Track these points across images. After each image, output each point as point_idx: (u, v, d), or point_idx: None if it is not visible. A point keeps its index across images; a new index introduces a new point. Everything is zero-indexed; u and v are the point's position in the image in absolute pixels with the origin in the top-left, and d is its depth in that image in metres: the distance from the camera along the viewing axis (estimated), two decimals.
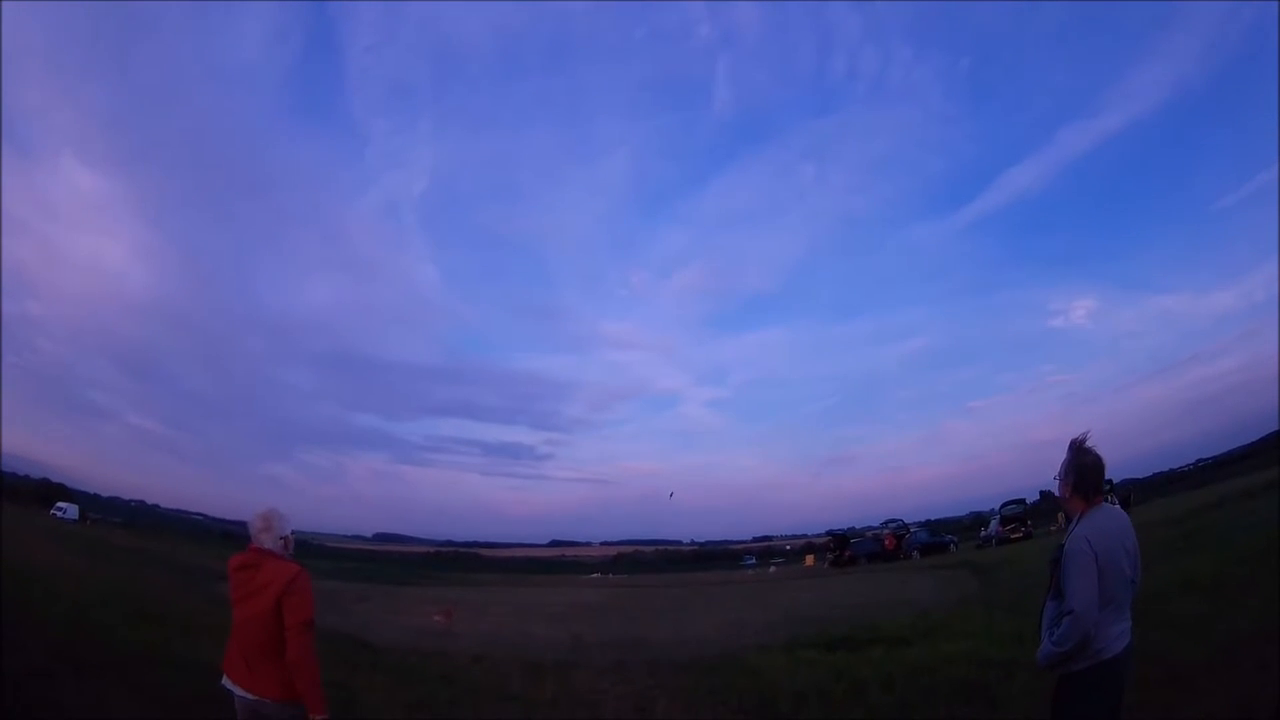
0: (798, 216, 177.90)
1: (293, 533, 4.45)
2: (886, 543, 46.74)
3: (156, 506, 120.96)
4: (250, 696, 4.12)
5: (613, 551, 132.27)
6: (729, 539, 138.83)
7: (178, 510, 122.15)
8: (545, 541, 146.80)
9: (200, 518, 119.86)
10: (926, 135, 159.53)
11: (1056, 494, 4.15)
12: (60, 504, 66.42)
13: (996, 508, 52.93)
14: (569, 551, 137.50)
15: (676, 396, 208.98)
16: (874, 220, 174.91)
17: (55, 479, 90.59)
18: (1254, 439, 55.37)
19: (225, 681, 4.24)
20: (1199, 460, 67.72)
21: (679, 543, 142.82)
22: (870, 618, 14.50)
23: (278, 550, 4.32)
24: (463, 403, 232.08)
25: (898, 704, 7.46)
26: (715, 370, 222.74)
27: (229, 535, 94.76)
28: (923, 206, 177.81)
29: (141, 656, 8.86)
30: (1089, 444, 3.98)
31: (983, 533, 47.96)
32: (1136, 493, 42.82)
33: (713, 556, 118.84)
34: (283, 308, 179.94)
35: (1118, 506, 4.14)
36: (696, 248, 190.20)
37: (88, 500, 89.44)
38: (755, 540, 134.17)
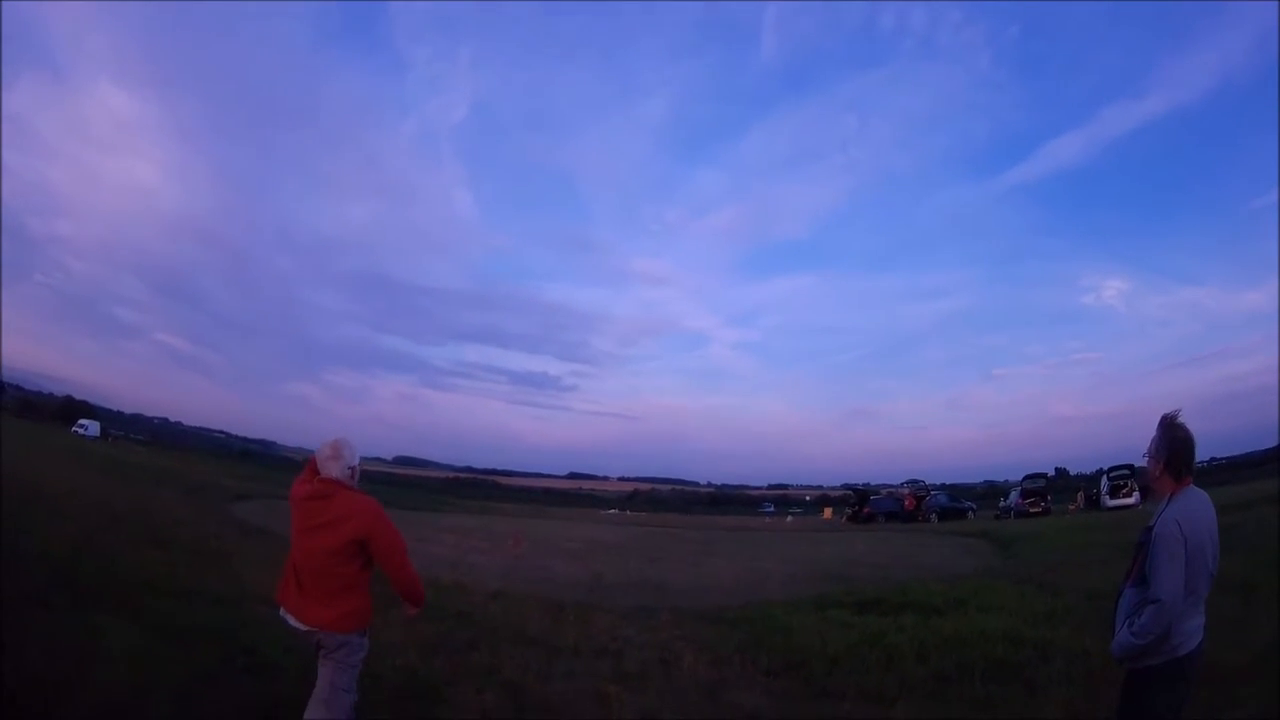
0: (837, 166, 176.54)
1: (360, 461, 4.42)
2: (906, 503, 46.69)
3: (179, 424, 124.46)
4: (303, 626, 4.18)
5: (629, 487, 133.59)
6: (745, 484, 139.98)
7: (200, 428, 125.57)
8: (564, 473, 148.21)
9: (222, 435, 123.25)
10: (971, 98, 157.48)
11: (1147, 472, 3.88)
12: (82, 421, 68.08)
13: (1018, 479, 52.62)
14: (586, 484, 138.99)
15: (705, 336, 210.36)
16: (913, 177, 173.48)
17: (79, 396, 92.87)
18: (1267, 446, 54.21)
19: (281, 611, 4.28)
20: (1212, 459, 67.06)
21: (695, 483, 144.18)
22: (894, 579, 14.36)
23: (345, 480, 4.27)
24: (491, 329, 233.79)
25: (933, 677, 7.25)
26: (744, 313, 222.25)
27: (249, 453, 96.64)
28: (962, 168, 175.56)
29: (145, 584, 8.71)
30: (1180, 420, 3.74)
31: (1002, 503, 47.66)
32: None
33: (729, 500, 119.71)
34: (315, 229, 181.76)
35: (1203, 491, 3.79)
36: (733, 190, 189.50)
37: (111, 418, 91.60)
38: (771, 488, 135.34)
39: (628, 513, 73.54)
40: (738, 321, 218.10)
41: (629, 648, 8.47)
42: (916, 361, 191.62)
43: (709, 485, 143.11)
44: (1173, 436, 3.70)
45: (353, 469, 4.32)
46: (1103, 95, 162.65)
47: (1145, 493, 35.79)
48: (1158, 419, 3.77)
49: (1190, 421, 3.74)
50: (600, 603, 11.45)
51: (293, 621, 4.20)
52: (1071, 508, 41.05)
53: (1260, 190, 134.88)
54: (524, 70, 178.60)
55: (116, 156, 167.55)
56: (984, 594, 11.19)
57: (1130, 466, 39.03)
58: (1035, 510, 39.45)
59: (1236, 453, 60.41)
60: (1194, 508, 3.61)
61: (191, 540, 13.34)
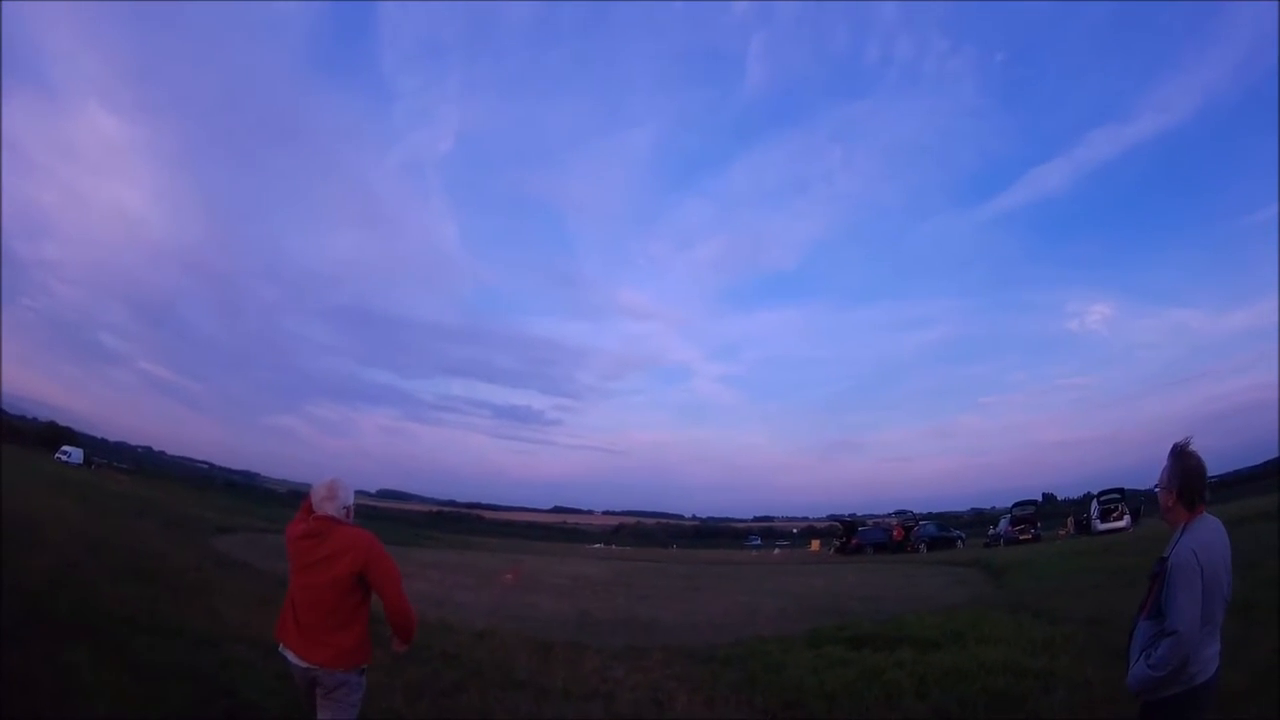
0: (821, 198, 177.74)
1: (354, 504, 4.50)
2: (895, 533, 46.32)
3: (163, 453, 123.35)
4: (303, 664, 4.17)
5: (614, 521, 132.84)
6: (730, 516, 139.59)
7: (184, 457, 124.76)
8: (548, 506, 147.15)
9: (206, 466, 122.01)
10: (956, 127, 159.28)
11: (1159, 502, 3.83)
12: (65, 448, 67.06)
13: (1006, 506, 52.57)
14: (571, 518, 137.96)
15: (688, 370, 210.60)
16: (897, 207, 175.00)
17: (63, 422, 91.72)
18: (1259, 461, 54.55)
19: (280, 648, 4.28)
20: None
21: (680, 516, 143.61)
22: (888, 612, 14.16)
23: (340, 519, 4.34)
24: (476, 363, 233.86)
25: (934, 713, 7.08)
26: (728, 346, 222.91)
27: (233, 485, 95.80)
28: (947, 197, 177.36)
29: (123, 619, 8.45)
30: (1191, 448, 3.69)
31: (991, 531, 47.51)
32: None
33: (715, 533, 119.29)
34: (301, 260, 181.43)
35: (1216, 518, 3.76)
36: (718, 223, 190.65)
37: (95, 445, 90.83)
38: (756, 520, 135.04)
39: (613, 547, 72.93)
40: (722, 355, 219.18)
41: (620, 689, 8.22)
42: (901, 392, 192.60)
43: (694, 518, 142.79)
44: (1184, 465, 3.66)
45: (348, 508, 4.39)
46: (1087, 121, 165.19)
47: (1136, 516, 35.81)
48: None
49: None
50: (589, 641, 11.19)
51: (292, 658, 4.19)
52: (1061, 533, 40.92)
53: (1245, 210, 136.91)
54: (511, 101, 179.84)
55: (104, 180, 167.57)
56: (981, 625, 10.97)
57: (1120, 490, 39.00)
58: (1025, 537, 39.18)
59: (1225, 470, 60.87)
60: (1209, 536, 3.57)
61: (172, 574, 13.01)
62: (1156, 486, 3.80)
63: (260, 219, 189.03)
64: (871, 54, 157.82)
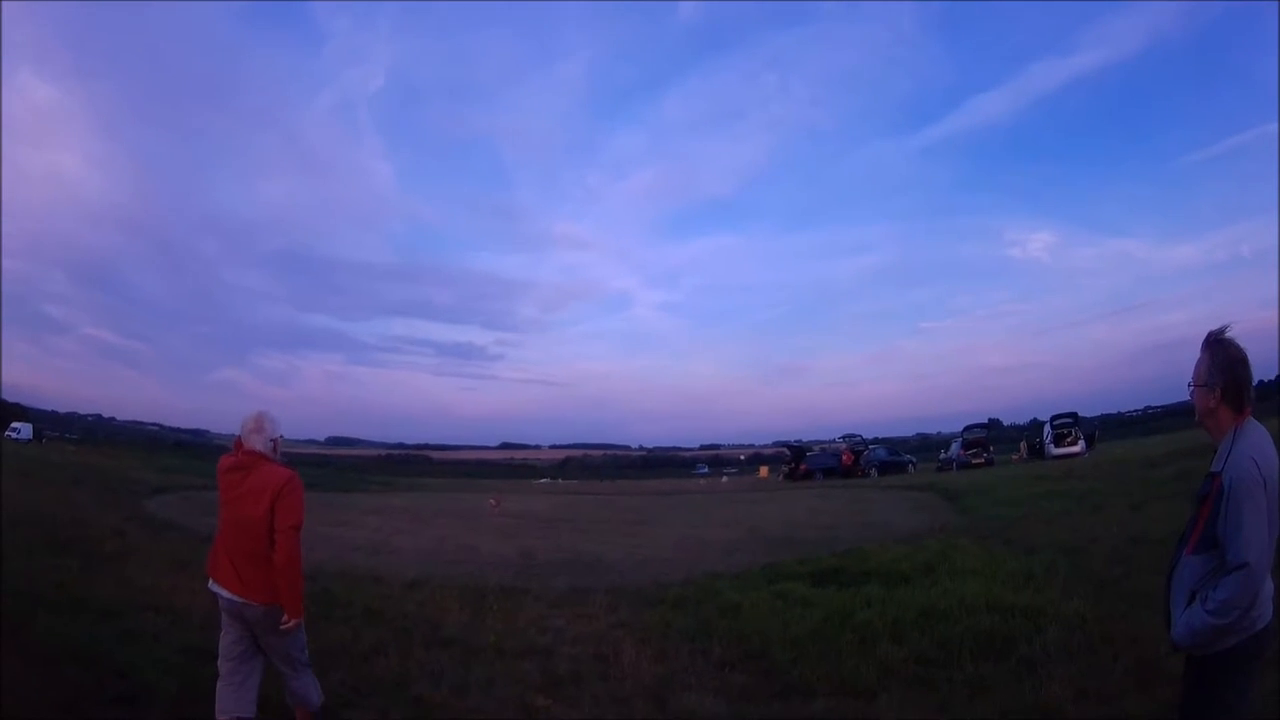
0: (758, 125, 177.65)
1: (282, 435, 4.56)
2: (844, 458, 46.09)
3: (113, 420, 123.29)
4: (236, 599, 4.22)
5: (561, 455, 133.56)
6: (677, 445, 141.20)
7: (134, 422, 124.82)
8: (495, 444, 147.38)
9: (155, 428, 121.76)
10: (895, 54, 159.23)
11: (1195, 405, 3.00)
12: (15, 424, 65.49)
13: (951, 431, 52.84)
14: (518, 454, 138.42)
15: (628, 298, 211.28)
16: (835, 133, 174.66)
17: (12, 399, 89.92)
18: None
19: (210, 584, 4.35)
20: (1148, 407, 68.25)
21: (627, 447, 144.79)
22: (846, 541, 13.54)
23: (267, 452, 4.41)
24: (416, 302, 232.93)
25: (915, 658, 6.29)
26: (668, 273, 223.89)
27: (182, 445, 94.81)
28: (886, 124, 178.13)
29: (28, 595, 7.43)
30: (1230, 335, 2.93)
31: (943, 455, 47.68)
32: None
33: (661, 463, 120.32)
34: (237, 209, 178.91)
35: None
36: (654, 151, 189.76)
37: (46, 418, 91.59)
38: (702, 448, 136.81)
39: (560, 481, 72.63)
40: (661, 282, 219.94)
41: (560, 643, 7.37)
42: (842, 317, 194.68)
43: (640, 449, 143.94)
44: (1228, 357, 2.88)
45: (274, 441, 4.48)
46: (1030, 52, 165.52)
47: (1090, 441, 35.90)
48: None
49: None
50: (529, 586, 10.29)
51: (223, 594, 4.25)
52: (1015, 458, 41.10)
53: (1192, 147, 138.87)
54: (443, 36, 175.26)
55: (39, 149, 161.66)
56: (951, 556, 10.19)
57: (1074, 414, 39.23)
58: (978, 462, 39.28)
59: (1171, 401, 61.56)
60: (1264, 443, 2.78)
61: (89, 543, 11.84)
62: (1191, 385, 2.98)
63: (193, 173, 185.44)
64: None
